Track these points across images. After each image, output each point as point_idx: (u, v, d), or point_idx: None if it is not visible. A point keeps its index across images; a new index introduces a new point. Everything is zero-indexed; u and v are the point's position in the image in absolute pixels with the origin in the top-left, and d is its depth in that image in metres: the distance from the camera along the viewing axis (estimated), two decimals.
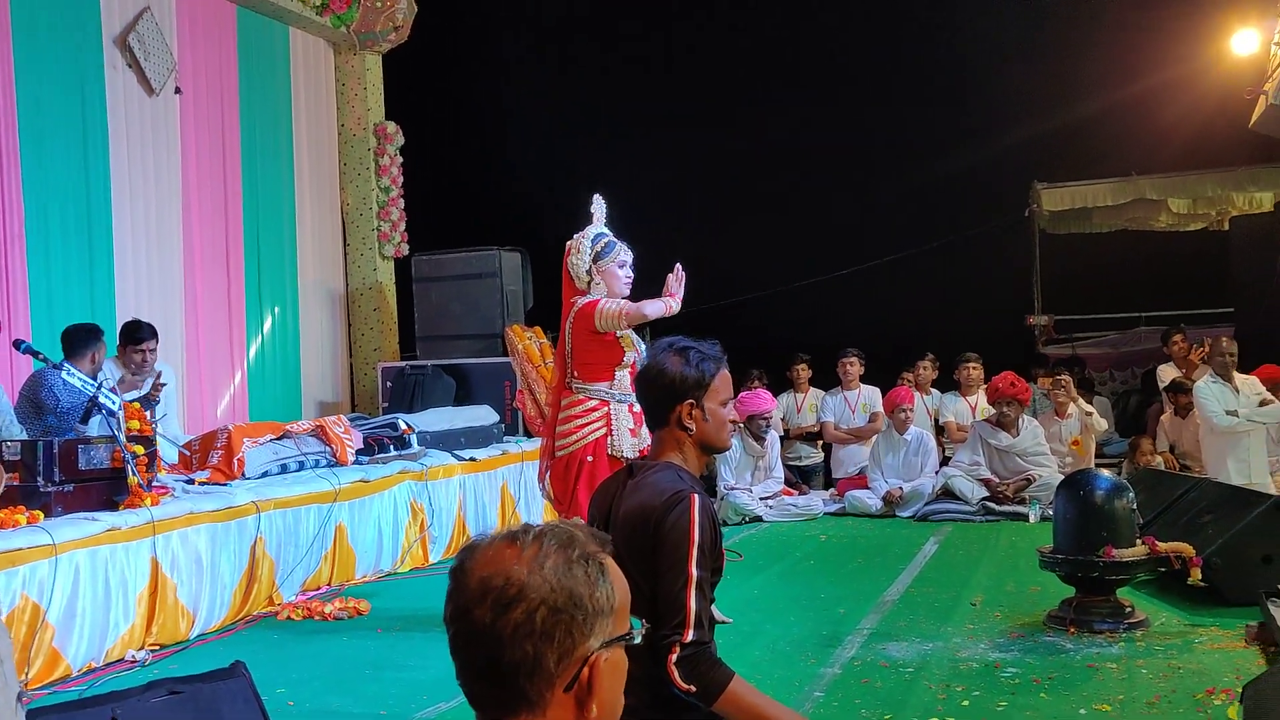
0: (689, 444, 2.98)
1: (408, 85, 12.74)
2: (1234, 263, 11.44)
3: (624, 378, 6.06)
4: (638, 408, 6.03)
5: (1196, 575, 5.98)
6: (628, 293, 6.16)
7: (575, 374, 6.09)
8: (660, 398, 2.98)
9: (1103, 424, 10.55)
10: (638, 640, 1.63)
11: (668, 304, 6.07)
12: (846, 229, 14.37)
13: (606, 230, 6.24)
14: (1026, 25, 14.14)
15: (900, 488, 9.92)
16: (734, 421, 3.08)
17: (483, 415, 9.87)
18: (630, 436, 6.01)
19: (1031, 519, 9.20)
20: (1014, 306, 14.73)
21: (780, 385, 11.69)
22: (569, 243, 6.23)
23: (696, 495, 2.79)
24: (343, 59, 12.07)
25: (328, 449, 7.93)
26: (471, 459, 9.00)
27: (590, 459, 5.94)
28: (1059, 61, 13.92)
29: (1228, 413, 8.27)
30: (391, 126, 12.11)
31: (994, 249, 14.71)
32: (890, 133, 14.40)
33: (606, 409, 5.99)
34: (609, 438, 5.97)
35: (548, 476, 6.17)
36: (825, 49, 14.72)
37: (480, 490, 9.05)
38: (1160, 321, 14.34)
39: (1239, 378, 8.50)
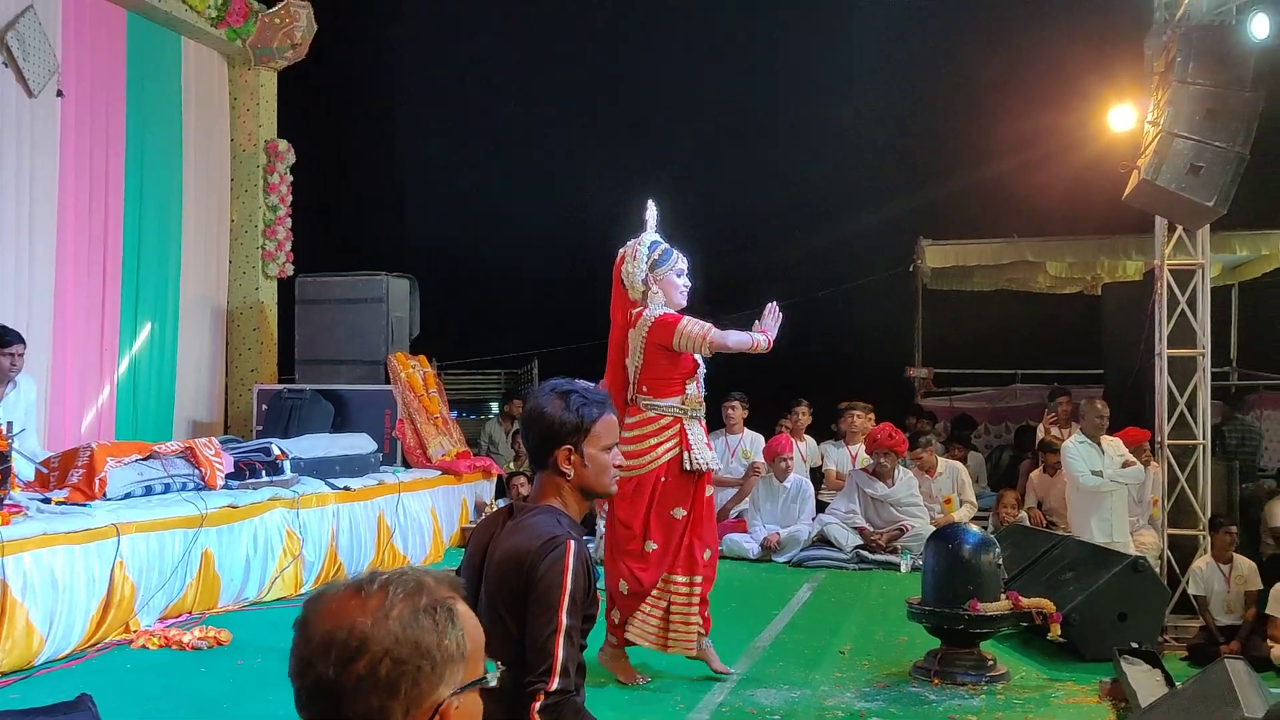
0: (568, 489, 2.95)
1: (303, 104, 12.58)
2: (1106, 327, 11.79)
3: (694, 391, 5.83)
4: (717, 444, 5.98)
5: (1056, 631, 6.16)
6: (684, 302, 5.89)
7: (644, 388, 5.78)
8: (540, 440, 2.95)
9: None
10: (492, 683, 1.62)
11: (755, 339, 5.76)
12: (733, 275, 14.53)
13: (660, 237, 5.96)
14: (920, 93, 14.55)
15: (778, 533, 9.99)
16: (618, 467, 3.06)
17: (360, 443, 9.69)
18: (707, 449, 5.85)
19: (903, 568, 9.34)
20: (895, 358, 15.04)
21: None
22: (622, 250, 5.91)
23: (573, 542, 2.76)
24: (237, 73, 11.86)
25: (196, 472, 7.69)
26: (346, 488, 8.82)
27: (664, 479, 5.70)
28: (949, 126, 14.33)
29: (1093, 473, 8.50)
30: (283, 144, 11.92)
31: (879, 302, 15.02)
32: (783, 184, 14.65)
33: (680, 425, 5.75)
34: (687, 453, 5.71)
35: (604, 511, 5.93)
36: (728, 103, 14.94)
37: (355, 520, 8.86)
38: (1036, 379, 14.79)
39: (1105, 439, 8.75)
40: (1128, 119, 9.20)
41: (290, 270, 11.97)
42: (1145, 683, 5.25)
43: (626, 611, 5.79)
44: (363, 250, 12.72)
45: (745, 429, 11.16)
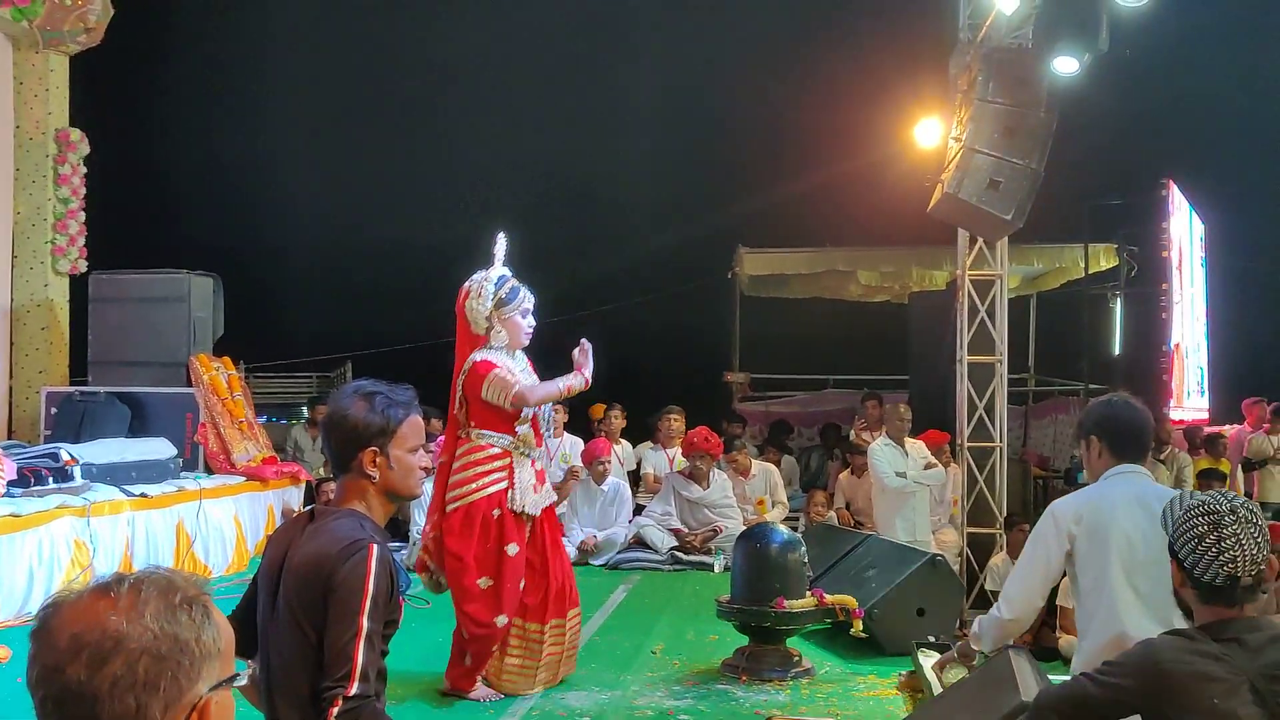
0: (373, 491, 2.88)
1: (98, 91, 11.99)
2: (912, 334, 12.19)
3: (527, 432, 5.69)
4: (539, 465, 5.76)
5: (858, 626, 6.34)
6: (526, 343, 5.80)
7: (473, 422, 5.67)
8: (344, 443, 2.87)
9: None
10: (244, 681, 1.59)
11: (568, 384, 5.71)
12: (553, 284, 14.54)
13: (509, 273, 5.80)
14: (737, 106, 14.82)
15: (594, 536, 10.01)
16: (425, 469, 2.99)
17: (159, 448, 9.30)
18: (533, 493, 5.66)
19: (716, 569, 9.45)
20: (713, 363, 15.27)
21: None
22: (466, 285, 5.74)
23: (375, 545, 2.70)
24: (23, 56, 11.19)
25: None
26: (143, 495, 8.44)
27: (497, 513, 5.55)
28: (766, 138, 14.64)
29: (897, 474, 8.77)
30: (76, 134, 11.32)
31: (697, 308, 15.24)
32: (601, 194, 14.73)
33: (509, 460, 5.63)
34: (510, 491, 5.57)
35: (431, 539, 5.69)
36: (548, 111, 14.95)
37: (152, 529, 8.50)
38: (847, 385, 15.23)
39: (909, 442, 9.05)
40: (934, 134, 9.53)
41: (84, 267, 11.39)
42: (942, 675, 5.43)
43: (481, 657, 5.60)
44: (166, 247, 12.20)
45: (565, 433, 11.13)
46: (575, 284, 14.73)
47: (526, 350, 5.96)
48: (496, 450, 5.61)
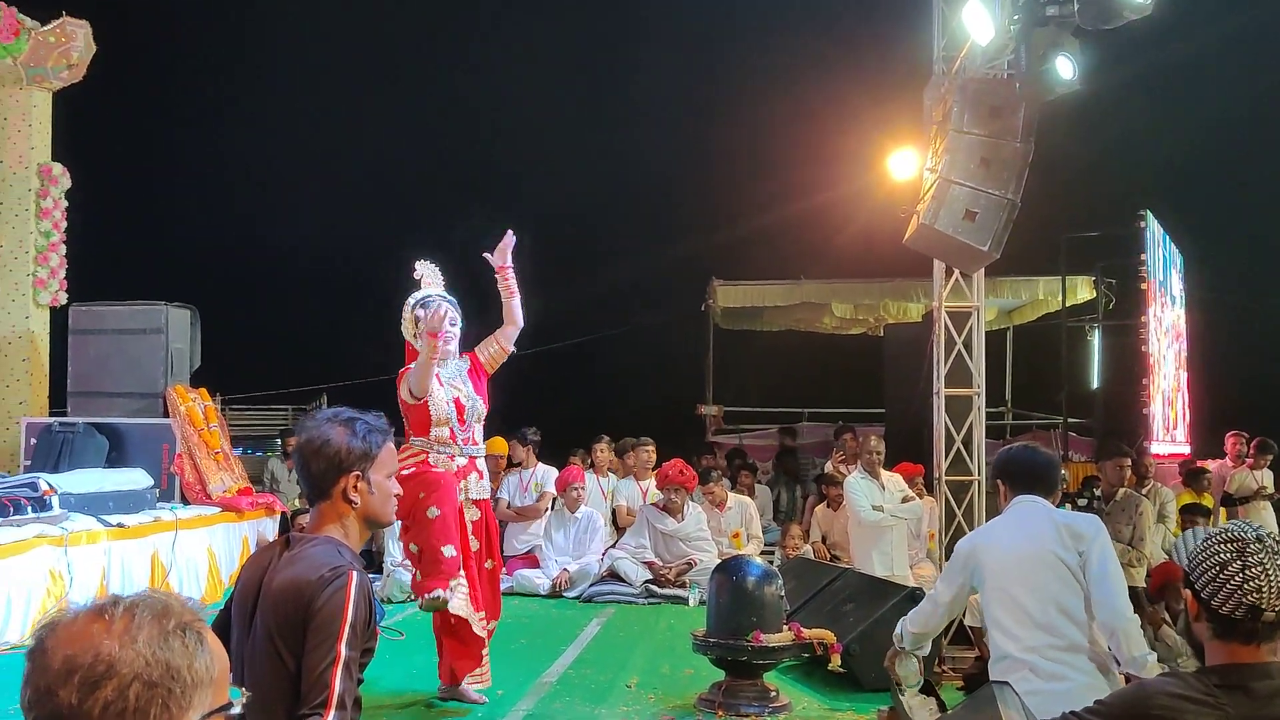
0: (353, 517, 2.89)
1: (80, 126, 12.02)
2: (887, 367, 12.25)
3: (442, 433, 6.01)
4: (460, 461, 6.02)
5: (837, 661, 6.31)
6: (452, 348, 6.14)
7: (409, 430, 6.06)
8: (324, 470, 2.87)
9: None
10: (237, 711, 1.58)
11: (430, 352, 5.82)
12: (528, 312, 14.56)
13: (433, 293, 6.17)
14: (712, 139, 14.91)
15: (567, 570, 9.99)
16: (396, 495, 3.01)
17: (136, 479, 9.28)
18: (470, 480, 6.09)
19: (691, 602, 9.44)
20: (687, 396, 15.28)
21: None
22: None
23: (354, 573, 2.71)
24: (7, 92, 11.23)
25: None
26: (120, 525, 8.42)
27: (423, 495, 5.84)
28: (740, 171, 14.74)
29: (874, 507, 8.79)
30: (58, 168, 11.35)
31: (671, 340, 15.27)
32: (576, 224, 14.78)
33: (427, 457, 5.97)
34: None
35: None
36: (520, 142, 15.01)
37: (129, 559, 8.48)
38: (822, 418, 15.26)
39: (885, 474, 9.07)
40: (909, 165, 9.60)
41: (64, 299, 11.38)
42: (920, 711, 5.42)
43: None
44: (143, 279, 12.19)
45: (538, 462, 11.13)
46: (548, 316, 14.75)
47: (495, 377, 6.39)
48: (422, 456, 5.97)
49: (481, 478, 6.21)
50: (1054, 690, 3.80)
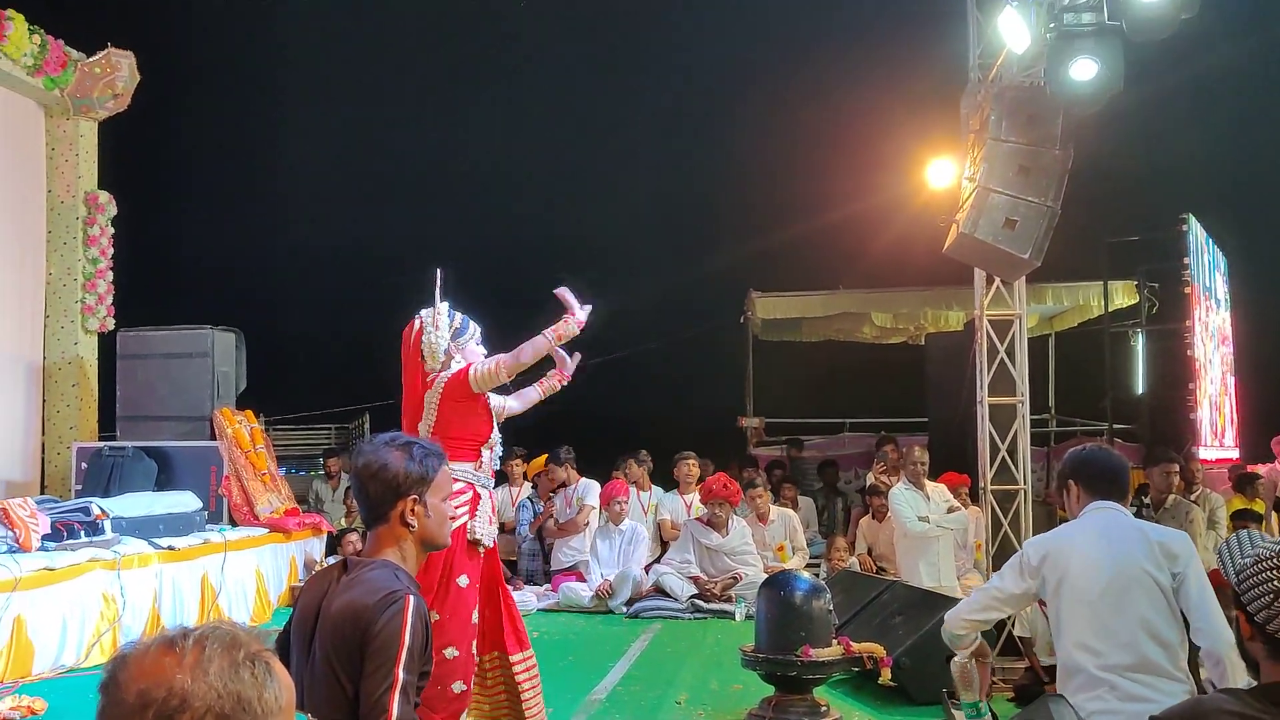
0: (410, 541, 2.92)
1: (125, 154, 12.20)
2: (929, 376, 12.19)
3: (489, 460, 5.51)
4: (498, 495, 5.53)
5: (887, 675, 6.26)
6: None
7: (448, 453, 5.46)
8: (382, 494, 2.90)
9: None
10: None
11: (557, 331, 5.47)
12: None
13: (457, 313, 5.69)
14: (750, 150, 14.91)
15: (608, 580, 10.01)
16: (452, 519, 3.04)
17: (185, 501, 9.39)
18: (489, 525, 5.43)
19: (738, 617, 9.43)
20: (728, 408, 15.27)
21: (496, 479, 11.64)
22: (416, 318, 5.63)
23: (411, 597, 2.73)
24: (54, 123, 11.41)
25: (11, 533, 7.39)
26: (170, 548, 8.52)
27: (453, 546, 5.12)
28: (778, 182, 14.73)
29: (919, 518, 8.75)
30: (104, 196, 11.51)
31: (711, 353, 15.26)
32: (614, 237, 14.82)
33: (472, 493, 5.34)
34: (469, 522, 5.26)
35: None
36: (557, 156, 15.07)
37: (179, 581, 8.57)
38: (864, 428, 15.20)
39: (930, 485, 9.03)
40: (947, 174, 9.58)
41: (112, 324, 11.53)
42: None
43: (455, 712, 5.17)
44: (189, 303, 12.35)
45: (579, 477, 11.16)
46: (586, 330, 14.82)
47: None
48: (460, 484, 5.25)
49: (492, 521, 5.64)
50: (1131, 711, 3.62)
